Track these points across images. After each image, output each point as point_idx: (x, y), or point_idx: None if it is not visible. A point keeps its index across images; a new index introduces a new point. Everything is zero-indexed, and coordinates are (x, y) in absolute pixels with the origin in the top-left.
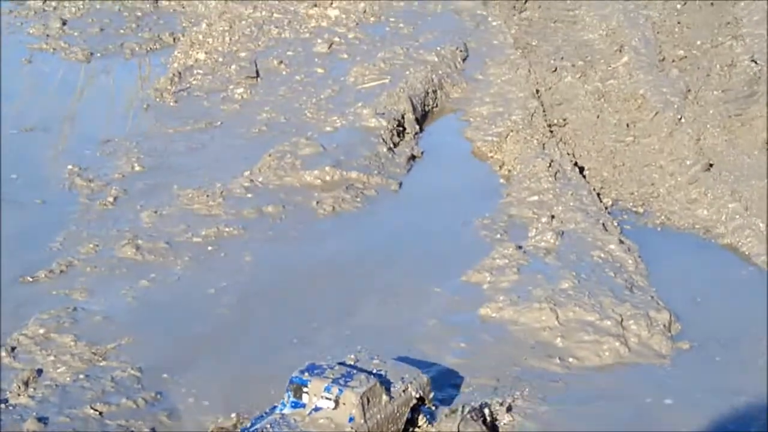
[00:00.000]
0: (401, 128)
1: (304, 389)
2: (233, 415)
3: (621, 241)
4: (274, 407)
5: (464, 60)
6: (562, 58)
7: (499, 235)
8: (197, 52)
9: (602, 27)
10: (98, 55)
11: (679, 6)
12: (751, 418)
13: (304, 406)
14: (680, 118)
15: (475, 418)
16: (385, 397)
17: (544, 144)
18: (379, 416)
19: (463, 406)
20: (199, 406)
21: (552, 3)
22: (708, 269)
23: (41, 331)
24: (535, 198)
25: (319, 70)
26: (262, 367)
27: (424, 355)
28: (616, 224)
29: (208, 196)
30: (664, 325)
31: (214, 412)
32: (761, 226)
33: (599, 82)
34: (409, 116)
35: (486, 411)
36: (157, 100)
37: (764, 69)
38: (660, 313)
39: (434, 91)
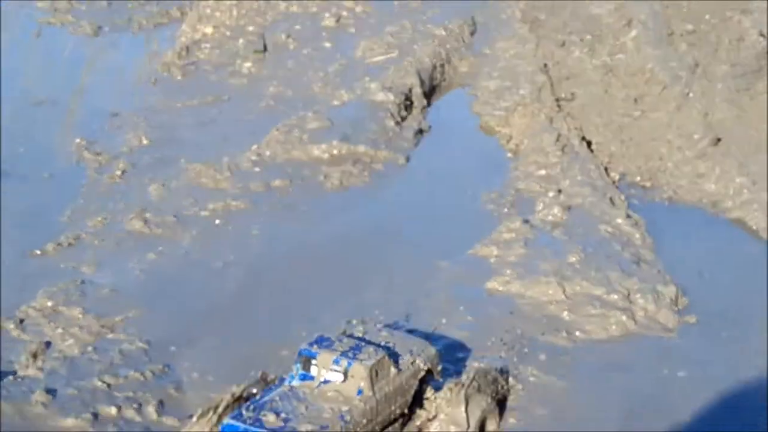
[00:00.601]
0: (409, 102)
1: (313, 362)
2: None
3: (628, 216)
4: (283, 379)
5: (472, 34)
6: (570, 32)
7: (506, 209)
8: (205, 26)
9: (610, 1)
10: (106, 29)
11: None
12: (763, 392)
13: (312, 378)
14: (688, 93)
15: (481, 390)
16: (393, 370)
17: (551, 118)
18: (387, 389)
19: (470, 378)
20: (206, 379)
21: None
22: (715, 244)
23: (49, 303)
24: (543, 172)
25: (327, 44)
26: (270, 341)
27: (431, 328)
28: (623, 198)
29: (215, 170)
30: (671, 299)
31: (220, 386)
32: None
33: (607, 57)
34: (417, 90)
35: (493, 383)
36: (165, 74)
37: None
38: (667, 287)
39: (442, 65)
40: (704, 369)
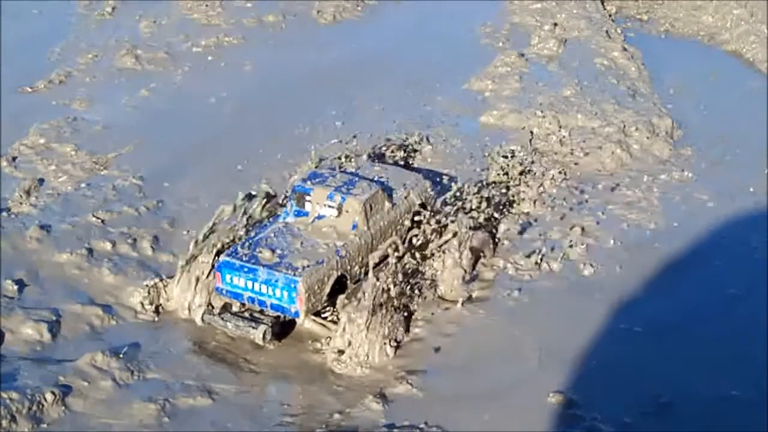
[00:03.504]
0: None
1: (307, 197)
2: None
3: (624, 49)
4: (278, 216)
5: None
6: None
7: (501, 43)
8: None
9: None
10: None
11: None
12: None
13: (307, 214)
14: None
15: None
16: (387, 204)
17: None
18: (381, 223)
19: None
20: (200, 213)
21: None
22: (711, 76)
23: (41, 140)
24: (538, 5)
25: None
26: (262, 172)
27: (424, 162)
28: (619, 31)
29: (207, 5)
30: (667, 132)
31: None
32: (766, 32)
33: None
34: None
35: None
36: None
37: None
38: (662, 119)
39: None
40: (726, 195)
